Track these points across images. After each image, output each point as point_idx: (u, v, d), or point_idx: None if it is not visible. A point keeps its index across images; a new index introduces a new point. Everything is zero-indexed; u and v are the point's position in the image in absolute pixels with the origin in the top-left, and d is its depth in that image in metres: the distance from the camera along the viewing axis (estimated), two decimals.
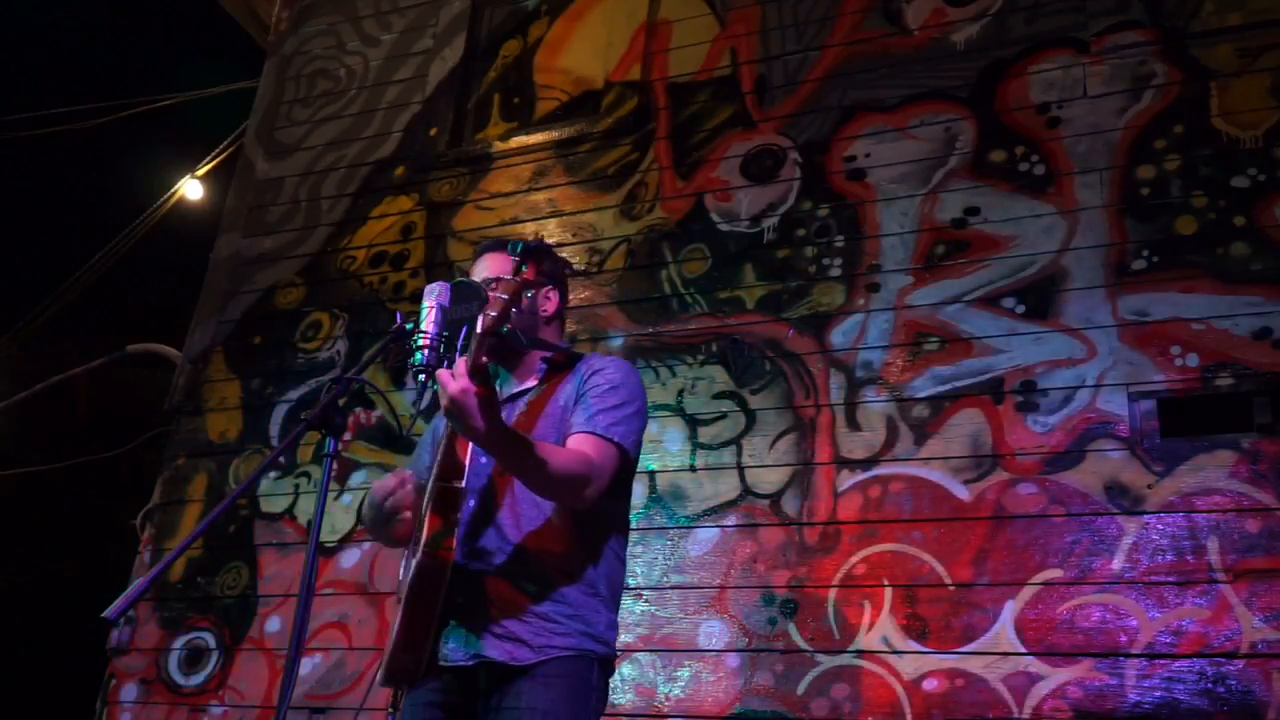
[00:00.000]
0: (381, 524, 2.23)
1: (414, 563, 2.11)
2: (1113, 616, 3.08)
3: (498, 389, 2.40)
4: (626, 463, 2.22)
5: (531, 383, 2.35)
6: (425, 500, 2.17)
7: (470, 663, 2.11)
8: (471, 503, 2.21)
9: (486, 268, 2.38)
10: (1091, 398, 3.35)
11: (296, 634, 1.85)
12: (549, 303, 2.40)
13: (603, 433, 2.17)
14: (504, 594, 2.13)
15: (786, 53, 4.36)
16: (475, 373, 1.96)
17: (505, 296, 1.92)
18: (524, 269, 1.95)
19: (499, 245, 2.42)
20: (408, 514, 2.22)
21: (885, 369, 3.65)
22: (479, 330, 1.95)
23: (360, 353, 4.56)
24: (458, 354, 2.12)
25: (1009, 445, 3.39)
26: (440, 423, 2.41)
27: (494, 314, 1.92)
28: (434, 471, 2.15)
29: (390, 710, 2.26)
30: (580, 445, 2.15)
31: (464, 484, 2.18)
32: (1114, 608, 3.09)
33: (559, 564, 2.16)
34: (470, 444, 2.19)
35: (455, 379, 1.95)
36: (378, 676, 2.20)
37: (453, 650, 2.12)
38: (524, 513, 2.19)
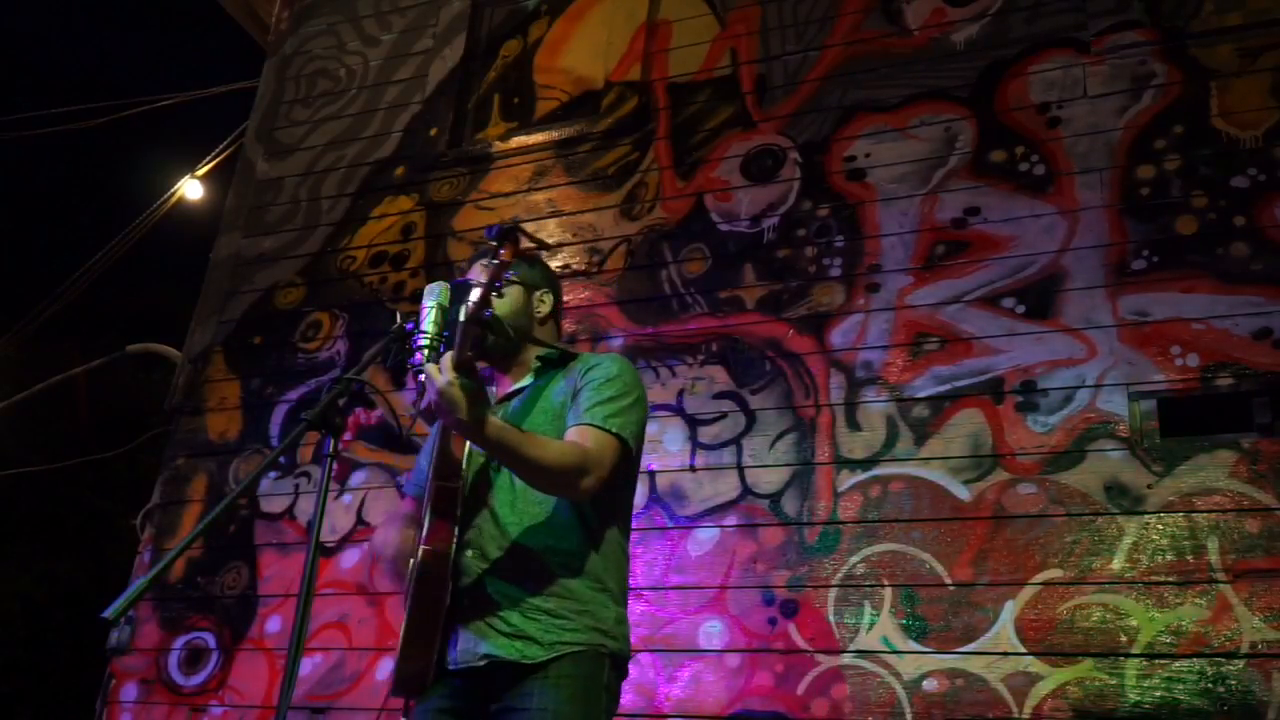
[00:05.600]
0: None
1: (415, 564, 2.09)
2: (1113, 616, 3.08)
3: (492, 389, 2.40)
4: (626, 453, 2.18)
5: (526, 381, 2.35)
6: (425, 501, 2.16)
7: (480, 663, 2.08)
8: (471, 500, 2.20)
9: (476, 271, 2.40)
10: (1091, 398, 3.35)
11: (296, 634, 1.84)
12: (543, 304, 2.40)
13: (600, 424, 2.14)
14: (510, 592, 2.11)
15: (786, 53, 4.36)
16: (460, 366, 1.97)
17: (484, 280, 1.93)
18: (501, 251, 1.93)
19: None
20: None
21: (885, 369, 3.65)
22: (462, 319, 1.95)
23: (360, 353, 4.55)
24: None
25: (1009, 445, 3.39)
26: (439, 424, 2.41)
27: (475, 299, 1.93)
28: (431, 470, 2.14)
29: (404, 716, 2.24)
30: (576, 437, 2.13)
31: (462, 482, 2.17)
32: (1114, 608, 3.09)
33: (564, 560, 2.14)
34: (467, 441, 2.18)
35: (442, 373, 1.97)
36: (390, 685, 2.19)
37: (462, 652, 2.10)
38: (526, 509, 2.17)
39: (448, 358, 1.98)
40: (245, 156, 5.48)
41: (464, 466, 2.20)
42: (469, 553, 2.14)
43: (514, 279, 2.32)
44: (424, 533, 2.08)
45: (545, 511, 2.16)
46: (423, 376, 2.05)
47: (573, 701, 2.03)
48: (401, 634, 2.09)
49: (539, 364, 2.35)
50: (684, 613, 3.57)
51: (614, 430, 2.14)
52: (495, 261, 1.92)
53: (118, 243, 7.53)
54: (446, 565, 2.08)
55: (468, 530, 2.17)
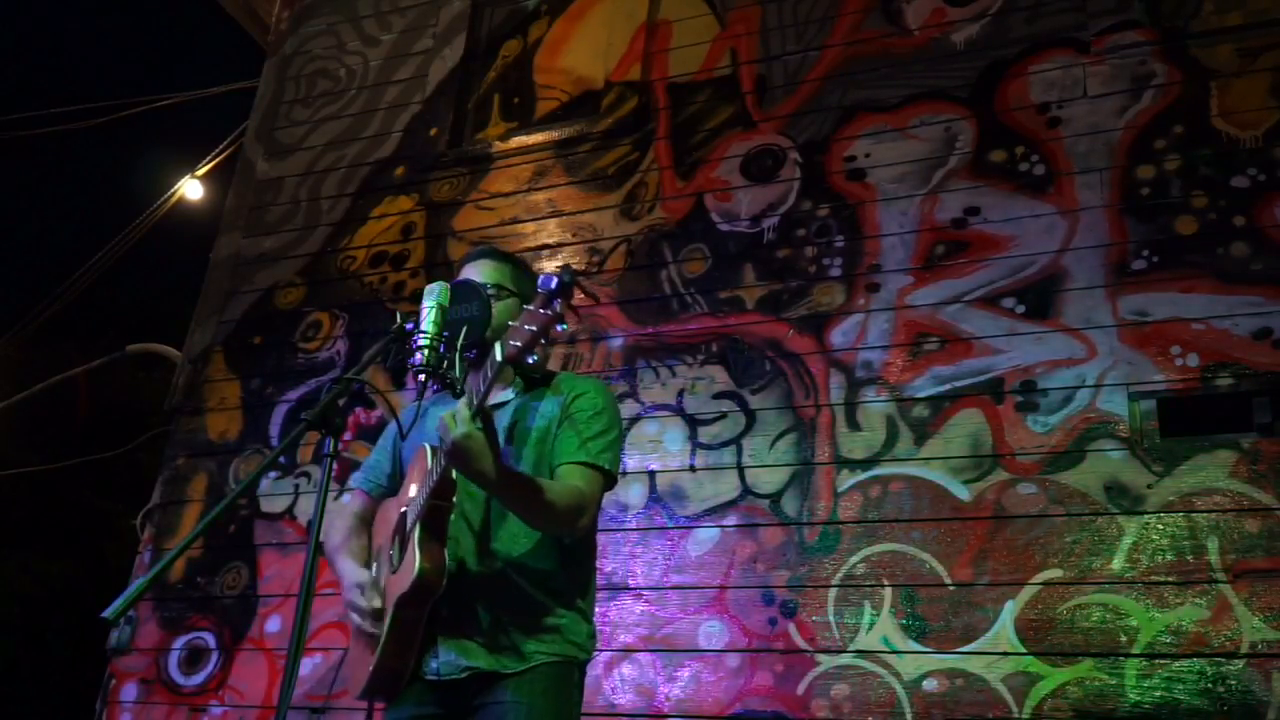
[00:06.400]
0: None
1: (406, 578, 2.12)
2: (1113, 616, 3.08)
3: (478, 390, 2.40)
4: (611, 485, 2.29)
5: (507, 395, 2.37)
6: (415, 516, 2.17)
7: (461, 675, 2.15)
8: (459, 520, 2.24)
9: (480, 273, 2.38)
10: (1091, 398, 3.35)
11: (296, 634, 1.85)
12: None
13: (593, 460, 2.22)
14: (492, 608, 2.18)
15: (786, 53, 4.36)
16: (479, 415, 2.00)
17: (534, 329, 1.88)
18: (556, 303, 1.87)
19: (493, 253, 2.44)
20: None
21: (885, 369, 3.65)
22: (499, 359, 1.92)
23: (360, 353, 4.55)
24: (458, 356, 2.13)
25: (1009, 445, 3.39)
26: (407, 428, 2.36)
27: (519, 344, 1.88)
28: (427, 488, 2.15)
29: None
30: (573, 479, 2.20)
31: (454, 502, 2.20)
32: (1114, 608, 3.09)
33: (544, 580, 2.21)
34: None
35: (459, 423, 1.98)
36: (359, 688, 2.23)
37: (443, 664, 2.16)
38: (510, 531, 2.23)
39: (464, 407, 2.01)
40: (245, 156, 5.48)
41: (455, 486, 2.22)
42: (454, 569, 2.19)
43: (511, 292, 2.36)
44: (418, 549, 2.12)
45: (525, 533, 2.22)
46: (423, 376, 2.06)
47: (546, 695, 2.13)
48: (382, 640, 2.14)
49: (521, 382, 2.37)
50: (684, 613, 3.57)
51: (605, 466, 2.24)
52: (547, 312, 1.87)
53: (118, 243, 7.54)
54: (439, 583, 2.13)
55: (453, 547, 2.21)
